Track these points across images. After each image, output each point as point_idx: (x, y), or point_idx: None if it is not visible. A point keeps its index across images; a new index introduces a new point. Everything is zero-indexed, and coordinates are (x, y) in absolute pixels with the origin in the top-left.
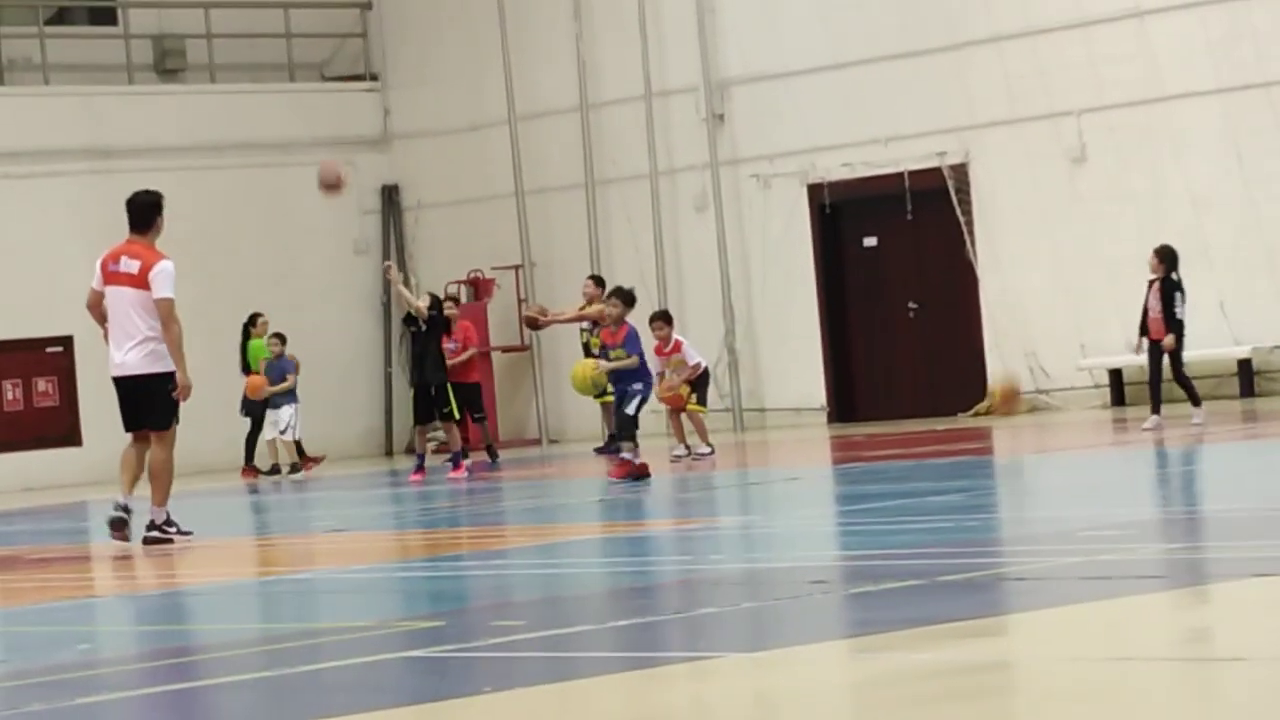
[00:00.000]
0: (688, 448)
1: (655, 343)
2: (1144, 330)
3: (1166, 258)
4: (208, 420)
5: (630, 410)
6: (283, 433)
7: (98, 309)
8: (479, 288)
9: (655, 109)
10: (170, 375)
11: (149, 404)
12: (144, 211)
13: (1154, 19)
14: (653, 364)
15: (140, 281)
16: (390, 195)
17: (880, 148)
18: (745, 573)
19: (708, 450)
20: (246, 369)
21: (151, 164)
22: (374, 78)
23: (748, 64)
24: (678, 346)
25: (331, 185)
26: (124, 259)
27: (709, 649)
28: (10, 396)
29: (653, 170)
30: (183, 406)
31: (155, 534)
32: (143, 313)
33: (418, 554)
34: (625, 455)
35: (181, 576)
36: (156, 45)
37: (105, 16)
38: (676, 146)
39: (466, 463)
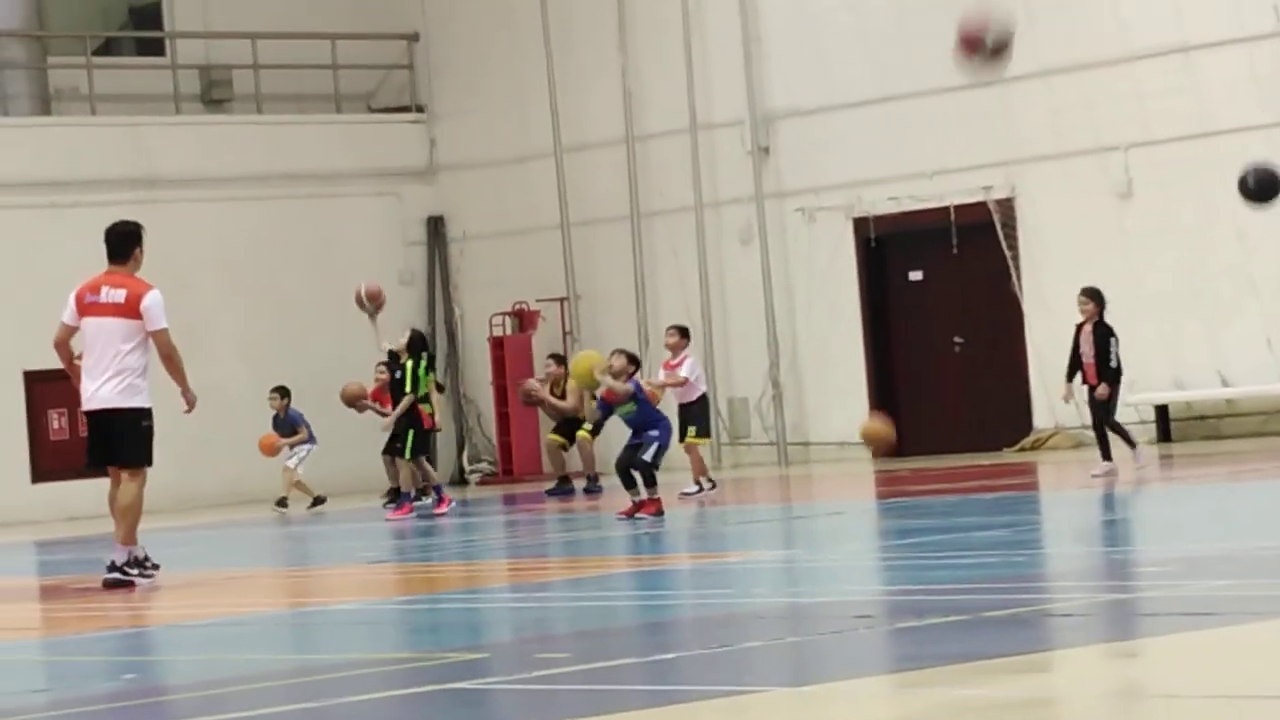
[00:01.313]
0: (699, 484)
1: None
2: (1074, 376)
3: (1096, 298)
4: (253, 449)
5: (648, 457)
6: (290, 461)
7: (65, 347)
8: (524, 320)
9: (700, 141)
10: (144, 411)
11: (121, 440)
12: (123, 242)
13: (1201, 53)
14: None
15: (128, 311)
16: (436, 226)
17: (926, 181)
18: (789, 607)
19: (698, 489)
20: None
21: (198, 194)
22: (420, 109)
23: (793, 97)
24: (683, 364)
25: (370, 300)
26: (105, 289)
27: (753, 683)
28: (55, 426)
29: (698, 203)
30: (228, 436)
31: (116, 575)
32: (125, 344)
33: (460, 586)
34: (645, 496)
35: (224, 607)
36: (203, 76)
37: (153, 47)
38: (722, 179)
39: (415, 504)
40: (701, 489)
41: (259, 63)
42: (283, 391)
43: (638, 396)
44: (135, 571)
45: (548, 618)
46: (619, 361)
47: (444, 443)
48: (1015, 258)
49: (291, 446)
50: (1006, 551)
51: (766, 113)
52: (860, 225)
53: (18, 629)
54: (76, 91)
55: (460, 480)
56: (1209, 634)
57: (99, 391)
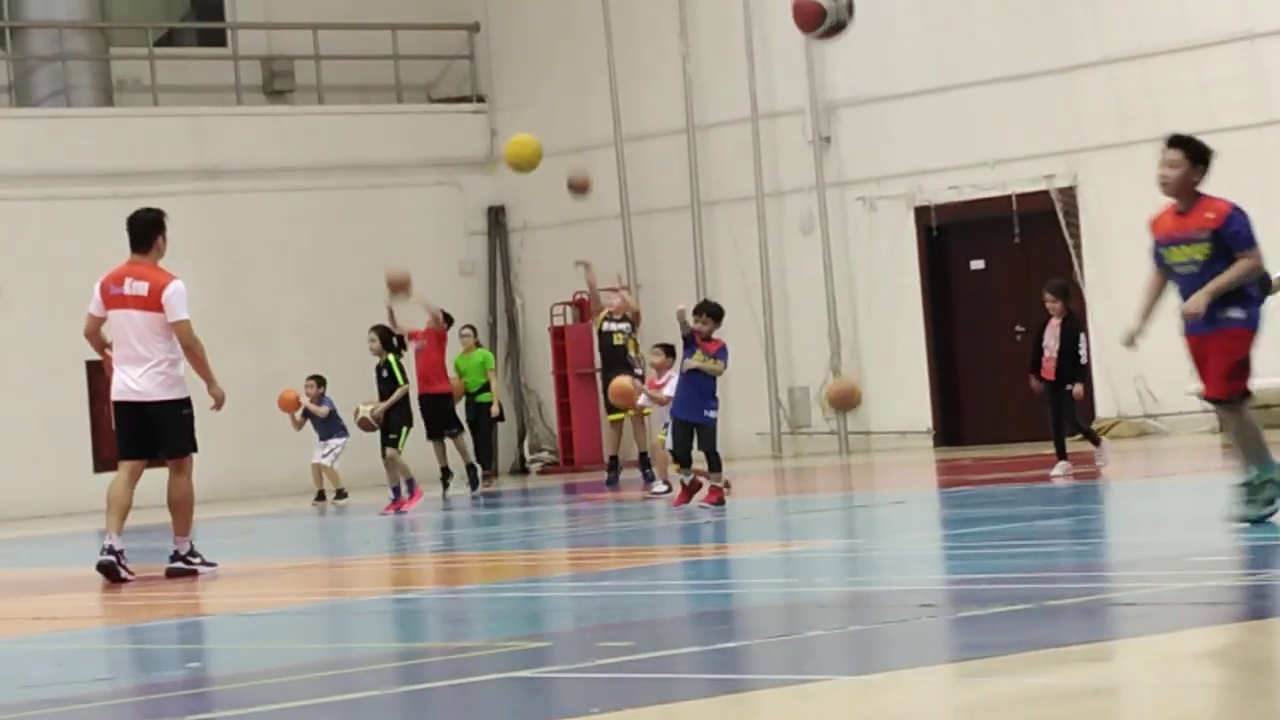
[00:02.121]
0: (668, 484)
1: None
2: (1036, 370)
3: (1063, 295)
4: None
5: (718, 447)
6: (325, 456)
7: (96, 336)
8: (584, 309)
9: (762, 131)
10: (184, 401)
11: (164, 431)
12: (146, 230)
13: (1265, 41)
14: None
15: (151, 304)
16: (496, 217)
17: (988, 170)
18: (851, 596)
19: (667, 489)
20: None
21: (259, 185)
22: (481, 99)
23: (855, 86)
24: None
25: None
26: (129, 281)
27: (815, 672)
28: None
29: (759, 192)
30: (291, 425)
31: (179, 564)
32: (153, 336)
33: (520, 575)
34: (715, 484)
35: (287, 595)
36: (265, 67)
37: (214, 38)
38: (783, 169)
39: (408, 499)
40: (670, 489)
41: (320, 53)
42: (319, 380)
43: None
44: (198, 560)
45: (609, 606)
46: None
47: (505, 432)
48: (1077, 246)
49: (321, 439)
50: (1070, 540)
51: (828, 102)
52: (922, 214)
53: (81, 618)
54: (139, 83)
55: (521, 469)
56: (1271, 623)
57: (138, 385)
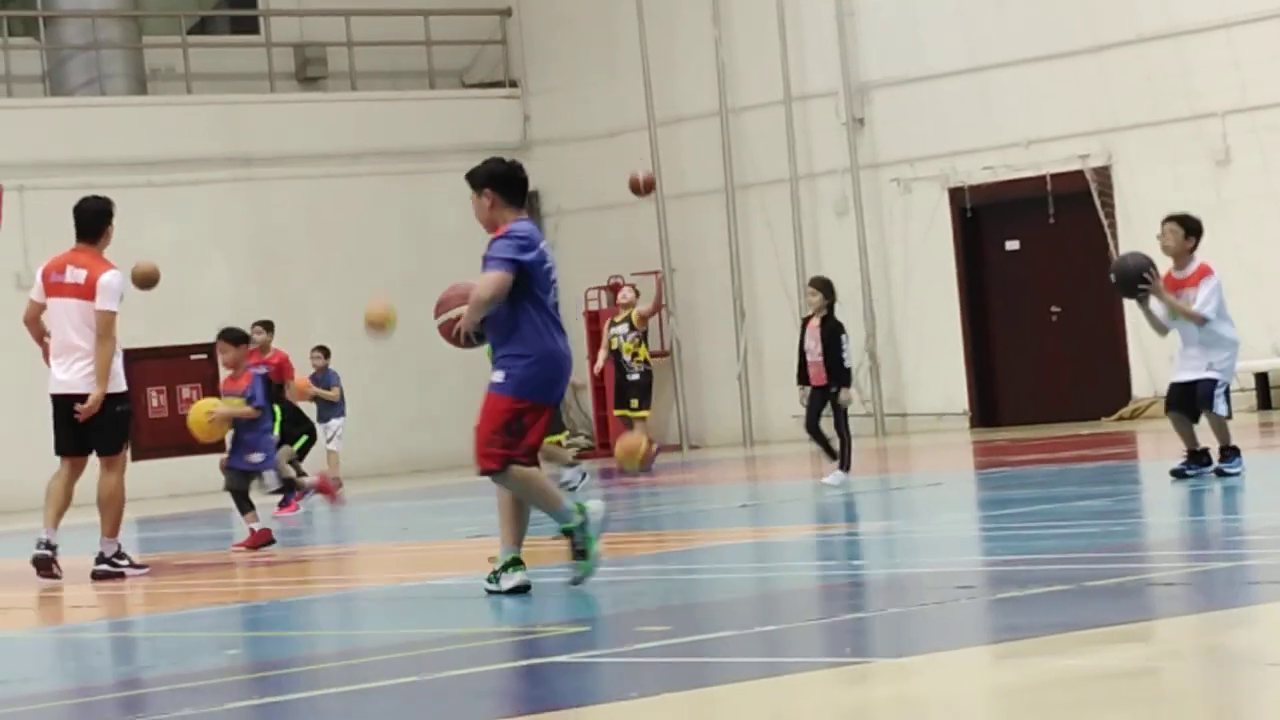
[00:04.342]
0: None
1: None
2: (803, 377)
3: (826, 290)
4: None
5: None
6: (329, 441)
7: (36, 324)
8: (618, 293)
9: (795, 113)
10: (120, 396)
11: (96, 426)
12: (95, 219)
13: None
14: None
15: (86, 292)
16: (530, 201)
17: (1021, 151)
18: (890, 578)
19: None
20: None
21: (292, 171)
22: (514, 84)
23: (887, 67)
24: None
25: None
26: (69, 269)
27: (855, 654)
28: (155, 404)
29: (793, 175)
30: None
31: (105, 567)
32: (86, 327)
33: (558, 560)
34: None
35: (324, 582)
36: (298, 54)
37: (247, 25)
38: (816, 151)
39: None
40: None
41: (353, 40)
42: (325, 351)
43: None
44: (125, 562)
45: (647, 590)
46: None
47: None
48: (1112, 226)
49: (321, 420)
50: (1107, 521)
51: (861, 83)
52: (956, 195)
53: (121, 606)
54: (172, 71)
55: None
56: None
57: (68, 377)
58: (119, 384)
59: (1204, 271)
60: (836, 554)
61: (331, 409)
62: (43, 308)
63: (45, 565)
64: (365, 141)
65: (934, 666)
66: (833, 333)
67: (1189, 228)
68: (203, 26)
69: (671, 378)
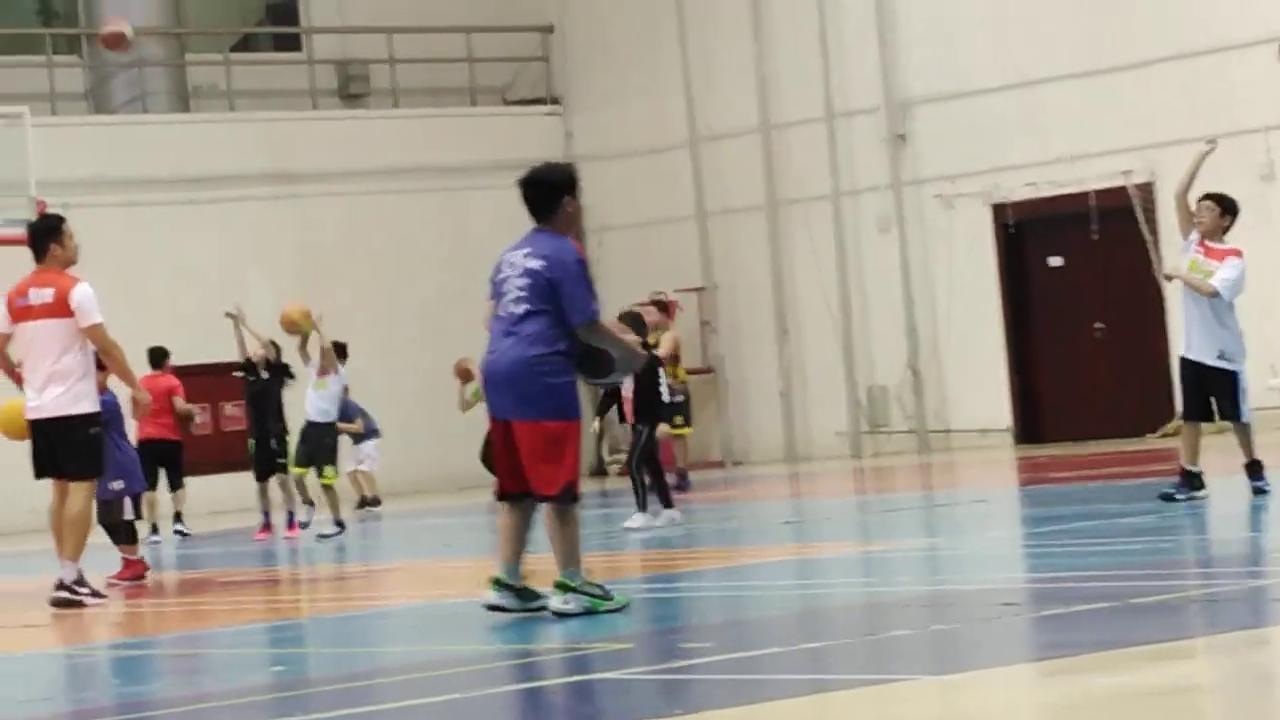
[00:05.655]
0: (339, 524)
1: None
2: (606, 411)
3: (636, 324)
4: (386, 442)
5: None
6: (361, 463)
7: (2, 356)
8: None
9: (837, 129)
10: (93, 416)
11: (68, 449)
12: (40, 239)
13: None
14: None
15: (58, 310)
16: None
17: (1065, 167)
18: (933, 595)
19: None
20: None
21: (334, 189)
22: (555, 101)
23: (929, 84)
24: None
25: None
26: (32, 291)
27: (898, 672)
28: (198, 420)
29: (835, 191)
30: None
31: (64, 594)
32: (62, 347)
33: (603, 577)
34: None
35: (369, 600)
36: (340, 71)
37: (289, 43)
38: (859, 167)
39: (301, 520)
40: (341, 529)
41: (395, 57)
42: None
43: None
44: (85, 590)
45: (690, 608)
46: None
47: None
48: (1156, 242)
49: (355, 441)
50: (1151, 538)
51: (903, 99)
52: (999, 211)
53: (165, 623)
54: (214, 88)
55: (600, 471)
56: None
57: (42, 400)
58: (93, 404)
59: (1233, 252)
60: (881, 571)
61: (359, 436)
62: (7, 338)
63: (76, 604)
64: (407, 158)
65: (978, 684)
66: (649, 367)
67: (1225, 206)
68: (245, 44)
69: (714, 394)
